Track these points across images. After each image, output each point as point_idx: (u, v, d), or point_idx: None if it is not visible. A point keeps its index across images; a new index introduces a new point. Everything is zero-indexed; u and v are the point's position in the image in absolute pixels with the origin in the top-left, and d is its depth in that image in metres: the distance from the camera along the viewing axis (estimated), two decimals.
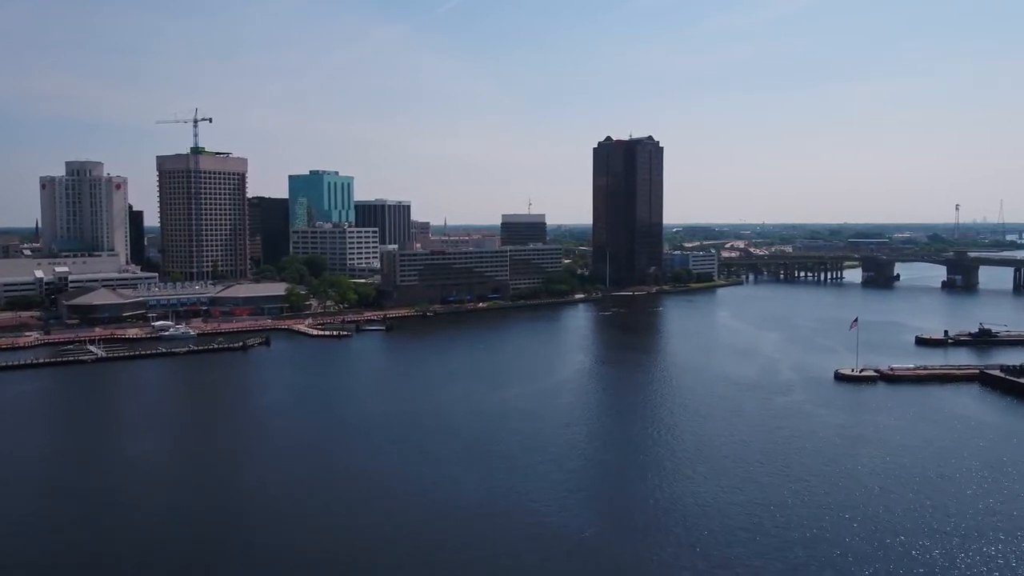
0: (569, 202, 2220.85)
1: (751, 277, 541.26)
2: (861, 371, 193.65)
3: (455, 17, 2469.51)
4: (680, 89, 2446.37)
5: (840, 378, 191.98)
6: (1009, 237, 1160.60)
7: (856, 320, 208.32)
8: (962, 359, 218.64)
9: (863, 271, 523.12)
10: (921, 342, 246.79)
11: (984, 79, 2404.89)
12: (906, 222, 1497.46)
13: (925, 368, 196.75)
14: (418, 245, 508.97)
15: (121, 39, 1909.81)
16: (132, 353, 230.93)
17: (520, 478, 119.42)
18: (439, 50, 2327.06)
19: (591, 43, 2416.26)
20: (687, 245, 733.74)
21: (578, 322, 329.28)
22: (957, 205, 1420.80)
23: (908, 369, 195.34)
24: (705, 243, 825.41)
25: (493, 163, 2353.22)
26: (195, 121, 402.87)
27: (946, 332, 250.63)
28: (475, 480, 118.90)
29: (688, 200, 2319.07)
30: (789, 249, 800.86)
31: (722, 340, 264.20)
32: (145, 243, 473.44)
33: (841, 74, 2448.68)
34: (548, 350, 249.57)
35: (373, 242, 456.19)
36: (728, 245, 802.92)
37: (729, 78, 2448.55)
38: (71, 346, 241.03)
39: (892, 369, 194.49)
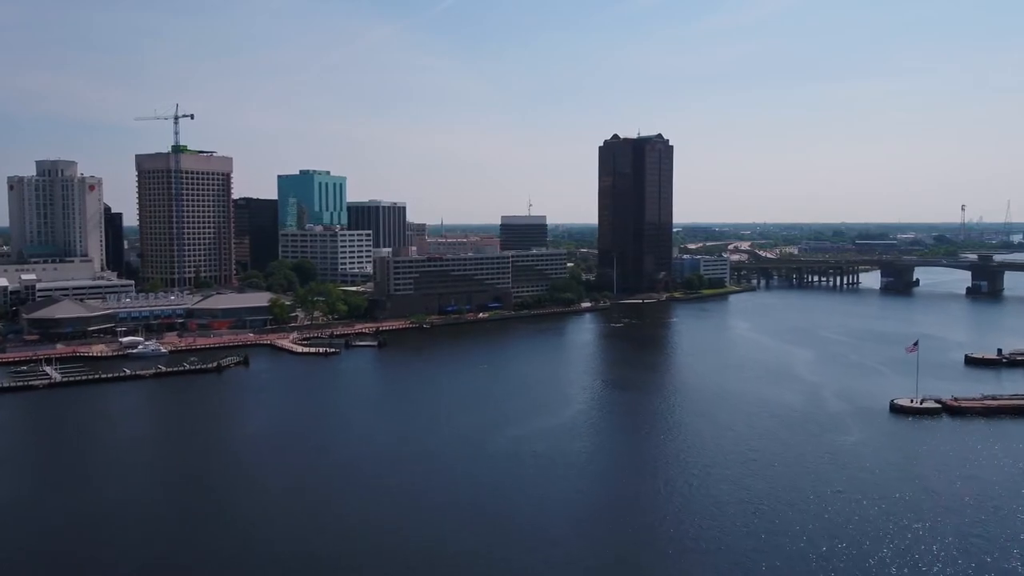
0: (567, 201, 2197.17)
1: (762, 282, 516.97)
2: (921, 402, 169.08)
3: (451, 16, 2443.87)
4: (677, 88, 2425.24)
5: (897, 410, 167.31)
6: (1014, 238, 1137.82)
7: (916, 343, 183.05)
8: (1022, 384, 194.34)
9: (882, 276, 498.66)
10: (972, 362, 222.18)
11: (986, 78, 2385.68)
12: (907, 222, 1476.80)
13: (994, 398, 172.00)
14: (413, 248, 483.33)
15: (115, 37, 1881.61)
16: (91, 377, 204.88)
17: (536, 560, 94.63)
18: (435, 49, 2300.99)
19: (586, 42, 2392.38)
20: (690, 247, 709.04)
21: (587, 335, 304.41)
22: (963, 206, 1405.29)
23: (975, 400, 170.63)
24: (708, 244, 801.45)
25: (490, 162, 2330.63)
26: (176, 118, 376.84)
27: (999, 351, 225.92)
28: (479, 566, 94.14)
29: (686, 199, 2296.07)
30: (795, 250, 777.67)
31: (749, 358, 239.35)
32: (126, 247, 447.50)
33: (839, 73, 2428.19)
34: (558, 372, 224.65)
35: (367, 245, 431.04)
36: (731, 246, 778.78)
37: (727, 77, 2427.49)
38: (25, 367, 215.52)
39: (956, 400, 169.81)
